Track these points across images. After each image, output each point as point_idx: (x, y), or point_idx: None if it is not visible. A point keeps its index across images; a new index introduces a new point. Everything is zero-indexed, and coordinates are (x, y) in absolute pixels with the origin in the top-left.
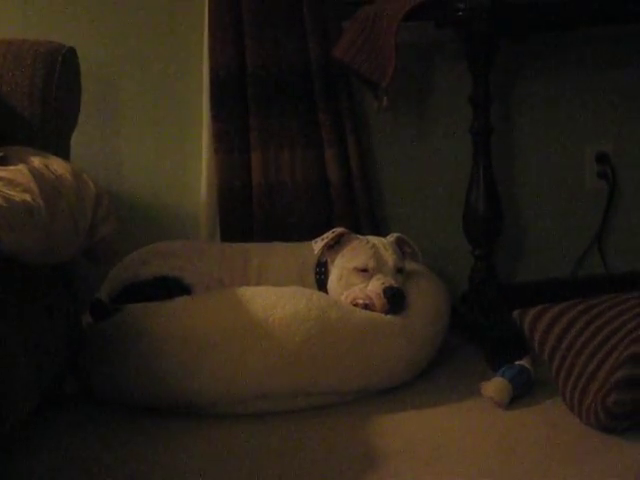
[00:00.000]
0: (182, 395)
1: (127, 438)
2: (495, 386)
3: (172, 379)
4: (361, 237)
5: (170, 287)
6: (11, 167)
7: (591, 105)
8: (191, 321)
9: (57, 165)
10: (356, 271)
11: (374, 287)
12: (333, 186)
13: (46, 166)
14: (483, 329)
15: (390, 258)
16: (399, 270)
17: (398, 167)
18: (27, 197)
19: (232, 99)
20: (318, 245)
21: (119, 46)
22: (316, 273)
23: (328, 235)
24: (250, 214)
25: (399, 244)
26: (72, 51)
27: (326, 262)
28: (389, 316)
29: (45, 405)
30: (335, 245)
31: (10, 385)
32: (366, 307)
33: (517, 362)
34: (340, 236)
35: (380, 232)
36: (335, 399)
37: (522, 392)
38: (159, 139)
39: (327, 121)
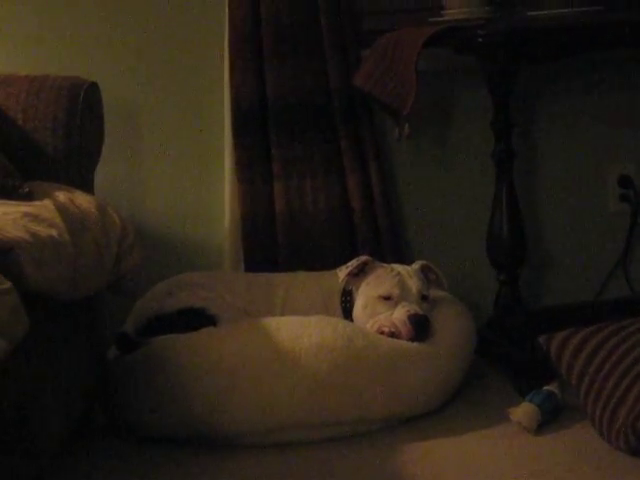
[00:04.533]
0: (209, 427)
1: (154, 470)
2: (523, 411)
3: (199, 411)
4: (385, 265)
5: (195, 318)
6: (37, 202)
7: (613, 127)
8: (217, 352)
9: (82, 199)
10: (381, 299)
11: (399, 315)
12: (356, 213)
13: (71, 200)
14: (510, 354)
15: (415, 285)
16: (424, 297)
17: (421, 193)
18: (53, 232)
19: (254, 129)
20: (342, 273)
21: (140, 79)
22: (341, 302)
23: (352, 263)
24: (274, 243)
25: (424, 271)
26: (94, 86)
27: (351, 290)
28: (415, 344)
29: (74, 438)
30: (360, 273)
31: (38, 419)
32: (392, 335)
33: (545, 387)
34: (364, 264)
35: (404, 259)
36: (362, 428)
37: (550, 417)
38: (182, 170)
39: (348, 149)
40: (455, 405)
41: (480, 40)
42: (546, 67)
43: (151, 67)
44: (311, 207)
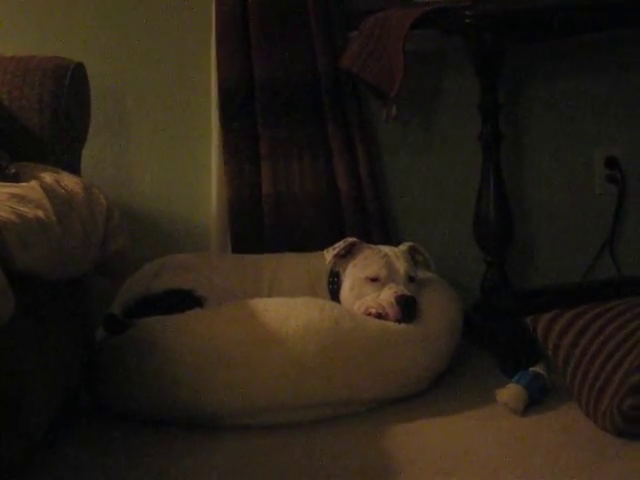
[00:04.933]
0: (195, 408)
1: (140, 452)
2: (510, 392)
3: (185, 392)
4: (373, 246)
5: (182, 300)
6: (23, 184)
7: (600, 109)
8: (204, 334)
9: (68, 180)
10: (368, 280)
11: (386, 296)
12: (343, 195)
13: (57, 182)
14: (496, 336)
15: (402, 267)
16: (411, 279)
17: (408, 175)
18: (40, 213)
19: (241, 110)
20: (329, 255)
21: (126, 60)
22: (328, 283)
23: (339, 245)
24: (261, 225)
25: (411, 253)
26: (80, 66)
27: (338, 272)
28: (402, 325)
29: (61, 421)
30: (347, 255)
31: (24, 401)
32: (379, 316)
33: (531, 368)
34: (351, 245)
35: (391, 241)
36: (349, 410)
37: (537, 398)
38: (168, 152)
39: (336, 131)
40: (442, 387)
41: (467, 21)
42: (534, 49)
43: (138, 49)
44: (298, 189)
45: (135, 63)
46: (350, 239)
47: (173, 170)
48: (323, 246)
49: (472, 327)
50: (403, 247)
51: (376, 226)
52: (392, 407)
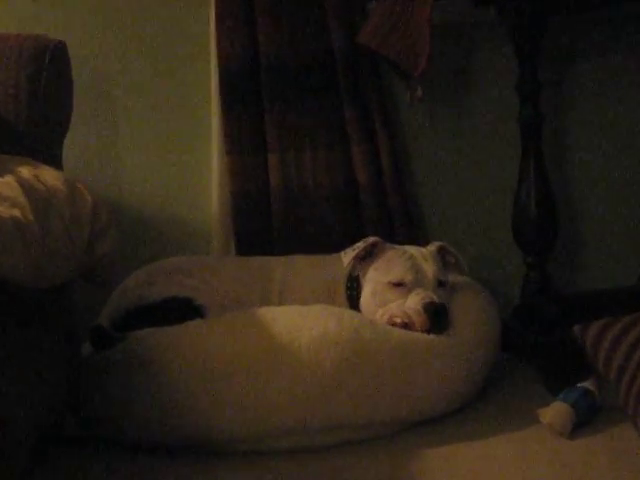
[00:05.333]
0: (197, 432)
1: None
2: (555, 412)
3: (185, 414)
4: (397, 247)
5: (181, 309)
6: None
7: None
8: (205, 348)
9: (48, 175)
10: (392, 285)
11: (413, 303)
12: (362, 189)
13: (36, 177)
14: (539, 347)
15: (430, 270)
16: (441, 283)
17: (436, 165)
18: (16, 212)
19: (245, 94)
20: (348, 257)
21: (115, 41)
22: (347, 289)
23: (359, 245)
24: (269, 223)
25: (441, 254)
26: (62, 46)
27: (358, 276)
28: (431, 336)
29: (45, 446)
30: (367, 257)
31: (4, 428)
32: (404, 326)
33: (579, 384)
34: (373, 246)
35: (417, 240)
36: (373, 432)
37: (586, 418)
38: (162, 142)
39: (353, 116)
40: (477, 405)
41: None
42: (580, 19)
43: (127, 27)
44: (311, 182)
45: (124, 42)
46: (371, 239)
47: (168, 163)
48: (340, 247)
49: (511, 338)
50: (431, 247)
51: (400, 224)
52: (420, 429)
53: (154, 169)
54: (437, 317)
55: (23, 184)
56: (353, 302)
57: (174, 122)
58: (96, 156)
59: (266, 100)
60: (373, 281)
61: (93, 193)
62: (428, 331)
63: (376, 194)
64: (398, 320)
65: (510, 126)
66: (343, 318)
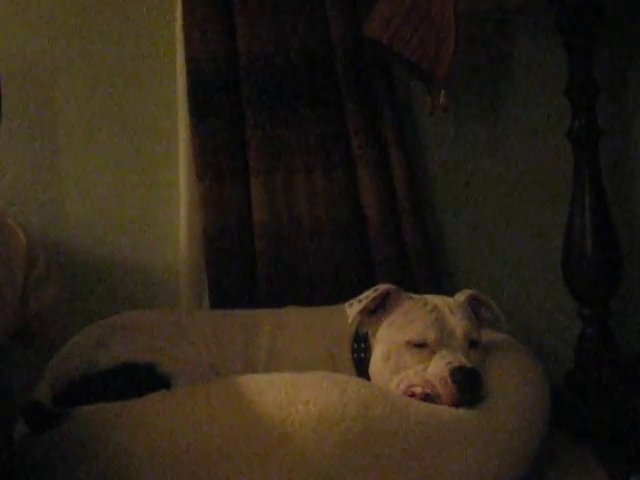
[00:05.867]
0: None
1: None
2: None
3: None
4: (416, 296)
5: (140, 378)
6: None
7: None
8: (172, 429)
9: None
10: (410, 346)
11: (437, 369)
12: (371, 223)
13: None
14: (599, 424)
15: (459, 326)
16: (473, 343)
17: (464, 191)
18: None
19: (220, 102)
20: (354, 310)
21: (57, 38)
22: (352, 351)
23: (368, 295)
24: (252, 267)
25: (472, 305)
26: None
27: (366, 335)
28: (461, 411)
29: None
30: (379, 309)
31: None
32: (427, 398)
33: None
34: (385, 296)
35: (442, 288)
36: None
37: None
38: (116, 165)
39: (359, 129)
40: None
41: None
42: None
43: (72, 21)
44: (305, 214)
45: (67, 38)
46: (383, 286)
47: (124, 192)
48: (343, 297)
49: (564, 412)
50: (460, 297)
51: (420, 266)
52: None
53: (107, 200)
54: (468, 386)
55: None
56: (361, 367)
57: (131, 139)
58: (32, 183)
59: (247, 109)
60: (386, 341)
61: (28, 231)
62: (457, 404)
63: (388, 229)
64: (418, 390)
65: (560, 141)
66: (348, 388)
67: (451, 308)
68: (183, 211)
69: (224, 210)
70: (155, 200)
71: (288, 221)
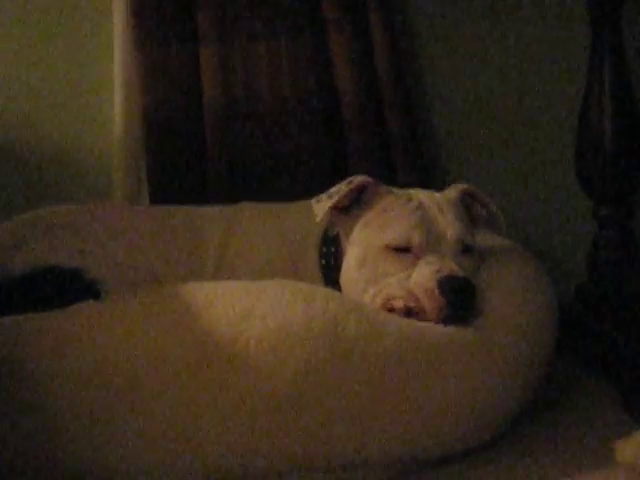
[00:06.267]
0: (88, 471)
1: None
2: (638, 447)
3: (71, 445)
4: (397, 191)
5: (64, 286)
6: None
7: None
8: (103, 345)
9: None
10: (391, 250)
11: (423, 278)
12: (344, 100)
13: None
14: (617, 348)
15: (450, 226)
16: (466, 248)
17: (460, 63)
18: None
19: None
20: (323, 206)
21: None
22: (320, 256)
23: (340, 188)
24: (200, 154)
25: (465, 202)
26: None
27: (337, 236)
28: (450, 328)
29: None
30: (353, 206)
31: None
32: (409, 313)
33: None
34: (361, 190)
35: (429, 181)
36: (369, 476)
37: None
38: (34, 29)
39: None
40: (523, 433)
41: None
42: None
43: None
44: (266, 89)
45: None
46: (359, 178)
47: (48, 57)
48: (311, 191)
49: (574, 332)
50: (451, 192)
51: (404, 155)
52: (445, 469)
53: (24, 69)
54: (459, 299)
55: None
56: (330, 276)
57: None
58: None
59: None
60: (362, 244)
61: None
62: (445, 320)
63: (366, 109)
64: (399, 304)
65: (574, 5)
66: (314, 300)
67: (440, 205)
68: (118, 84)
69: (168, 83)
70: (85, 72)
71: (246, 99)
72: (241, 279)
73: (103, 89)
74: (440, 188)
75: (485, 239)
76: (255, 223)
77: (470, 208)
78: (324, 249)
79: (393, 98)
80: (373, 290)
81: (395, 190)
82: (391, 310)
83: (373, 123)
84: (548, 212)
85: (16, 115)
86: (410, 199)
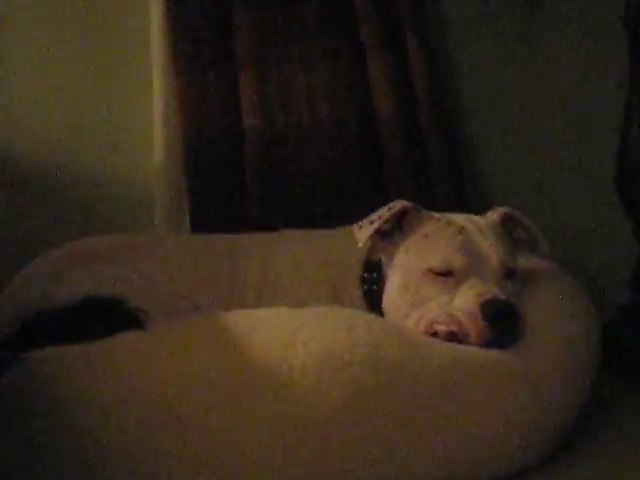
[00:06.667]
0: None
1: None
2: None
3: (115, 467)
4: (439, 215)
5: (106, 315)
6: None
7: None
8: (146, 374)
9: None
10: (433, 275)
11: (465, 302)
12: (384, 126)
13: None
14: None
15: (491, 250)
16: (508, 271)
17: (498, 89)
18: None
19: None
20: (365, 232)
21: None
22: (362, 282)
23: (382, 214)
24: (241, 181)
25: (507, 226)
26: None
27: (380, 262)
28: (493, 352)
29: None
30: (395, 232)
31: None
32: (452, 337)
33: None
34: (402, 215)
35: (471, 205)
36: None
37: None
38: (71, 59)
39: (369, 11)
40: (568, 453)
41: None
42: None
43: None
44: (306, 116)
45: None
46: (399, 203)
47: (82, 92)
48: (352, 218)
49: (618, 351)
50: (493, 215)
51: (444, 182)
52: None
53: (63, 104)
54: (502, 323)
55: None
56: (373, 301)
57: (95, 27)
58: None
59: None
60: (404, 268)
61: None
62: (488, 345)
63: (406, 133)
64: (442, 328)
65: (612, 27)
66: (356, 326)
67: (481, 229)
68: (158, 113)
69: (207, 110)
70: (125, 101)
71: (285, 125)
72: (283, 306)
73: (143, 118)
74: (481, 211)
75: (527, 262)
76: (295, 250)
77: (511, 231)
78: (366, 275)
79: (431, 121)
80: (416, 315)
81: (436, 214)
82: (434, 334)
83: (412, 147)
84: (591, 232)
85: (58, 146)
86: (451, 223)
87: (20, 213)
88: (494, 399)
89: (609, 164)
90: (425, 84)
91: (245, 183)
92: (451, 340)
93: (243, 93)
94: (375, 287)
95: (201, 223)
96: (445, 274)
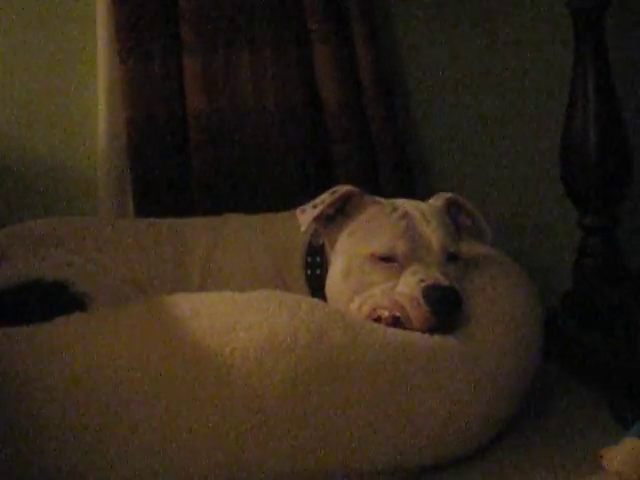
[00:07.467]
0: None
1: None
2: (627, 453)
3: (57, 457)
4: (382, 200)
5: (49, 299)
6: None
7: None
8: (87, 358)
9: None
10: (376, 260)
11: (408, 287)
12: (329, 112)
13: None
14: (603, 355)
15: (435, 236)
16: (451, 256)
17: (444, 74)
18: None
19: None
20: (308, 216)
21: None
22: (305, 266)
23: (325, 198)
24: (184, 166)
25: (451, 212)
26: None
27: (323, 246)
28: (436, 337)
29: None
30: (338, 216)
31: None
32: (395, 322)
33: None
34: (346, 199)
35: (415, 191)
36: None
37: None
38: (18, 50)
39: None
40: (510, 441)
41: None
42: None
43: None
44: (251, 102)
45: None
46: (343, 188)
47: (33, 72)
48: (296, 202)
49: (560, 340)
50: (436, 201)
51: (388, 165)
52: (430, 477)
53: (9, 86)
54: (445, 308)
55: None
56: (316, 286)
57: (39, 12)
58: None
59: None
60: (347, 253)
61: None
62: (431, 330)
63: (351, 119)
64: (385, 313)
65: (557, 13)
66: (299, 311)
67: (425, 214)
68: (102, 98)
69: (152, 96)
70: (68, 86)
71: (231, 110)
72: (227, 290)
73: (87, 103)
74: (425, 198)
75: (470, 248)
76: (240, 234)
77: (455, 217)
78: (309, 259)
79: (377, 108)
80: (359, 300)
81: (380, 200)
82: (377, 320)
83: (357, 133)
84: (533, 221)
85: (2, 133)
86: (395, 208)
87: None
88: (437, 384)
89: (556, 153)
90: (371, 70)
91: (190, 169)
92: (394, 325)
93: (189, 79)
94: (318, 271)
95: (145, 209)
96: (388, 259)
